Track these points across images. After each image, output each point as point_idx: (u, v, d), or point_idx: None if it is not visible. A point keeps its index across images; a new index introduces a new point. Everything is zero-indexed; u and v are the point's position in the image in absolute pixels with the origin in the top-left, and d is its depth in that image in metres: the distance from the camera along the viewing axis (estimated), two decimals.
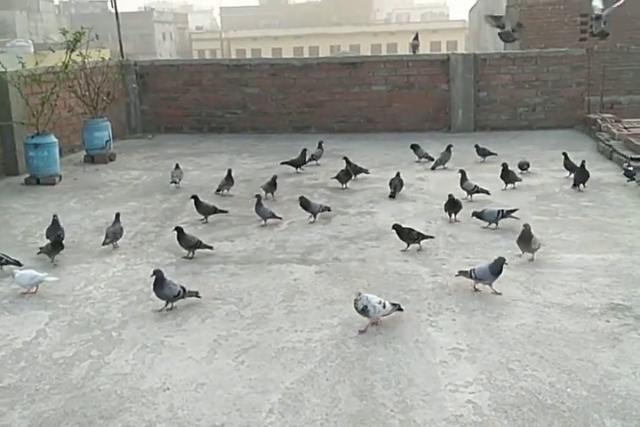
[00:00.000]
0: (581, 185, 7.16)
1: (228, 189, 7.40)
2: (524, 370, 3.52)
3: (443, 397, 3.30)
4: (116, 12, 13.15)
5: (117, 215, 5.86)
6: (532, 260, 5.12)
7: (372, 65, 11.59)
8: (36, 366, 3.73)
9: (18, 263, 5.09)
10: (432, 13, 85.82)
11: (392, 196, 7.14)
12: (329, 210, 6.52)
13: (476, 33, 24.11)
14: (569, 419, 3.10)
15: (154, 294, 4.42)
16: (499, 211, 5.96)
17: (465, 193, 6.85)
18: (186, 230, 6.01)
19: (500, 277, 4.50)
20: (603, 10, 7.84)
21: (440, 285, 4.74)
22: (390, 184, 7.24)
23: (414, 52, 11.85)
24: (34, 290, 4.73)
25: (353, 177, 7.77)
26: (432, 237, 5.57)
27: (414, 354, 3.75)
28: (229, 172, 7.48)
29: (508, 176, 7.22)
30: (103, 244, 5.67)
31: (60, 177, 8.31)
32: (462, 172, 6.94)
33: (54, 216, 5.77)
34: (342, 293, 4.67)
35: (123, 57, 12.58)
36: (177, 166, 8.00)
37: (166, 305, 4.42)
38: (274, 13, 74.65)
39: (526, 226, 5.08)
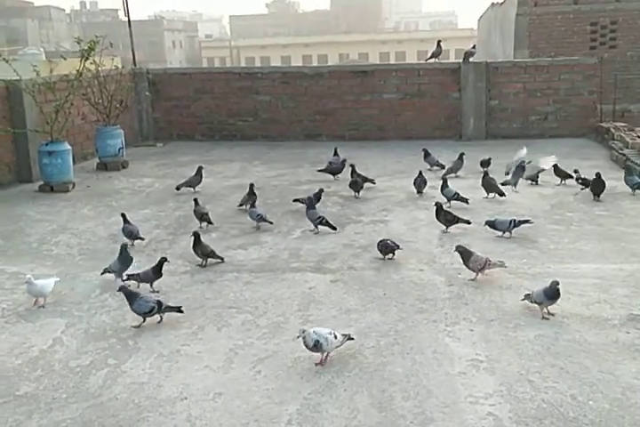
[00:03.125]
0: (597, 196, 7.13)
1: (252, 205, 6.62)
2: (545, 382, 3.48)
3: (463, 409, 3.26)
4: (129, 21, 13.24)
5: (124, 215, 6.00)
6: (473, 279, 4.90)
7: (384, 73, 11.62)
8: (52, 374, 3.72)
9: None
10: (440, 22, 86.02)
11: (419, 192, 7.53)
12: (334, 229, 6.19)
13: (486, 41, 24.09)
14: None
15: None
16: (511, 220, 5.93)
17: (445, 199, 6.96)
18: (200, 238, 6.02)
19: (557, 301, 4.26)
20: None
21: (457, 294, 4.71)
22: (414, 183, 7.58)
23: (431, 58, 11.84)
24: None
25: (362, 186, 7.68)
26: (399, 248, 5.43)
27: (432, 365, 3.71)
28: (251, 186, 7.07)
29: (483, 184, 7.36)
30: (141, 239, 5.93)
31: (74, 184, 8.35)
32: (444, 179, 7.16)
33: (124, 246, 5.12)
34: (358, 302, 4.64)
35: (135, 65, 12.64)
36: (198, 171, 7.92)
37: (144, 321, 4.29)
38: (283, 22, 75.07)
39: (458, 247, 4.93)
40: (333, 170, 8.49)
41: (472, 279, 4.91)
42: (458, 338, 4.03)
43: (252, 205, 6.46)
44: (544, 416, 3.18)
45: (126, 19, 13.80)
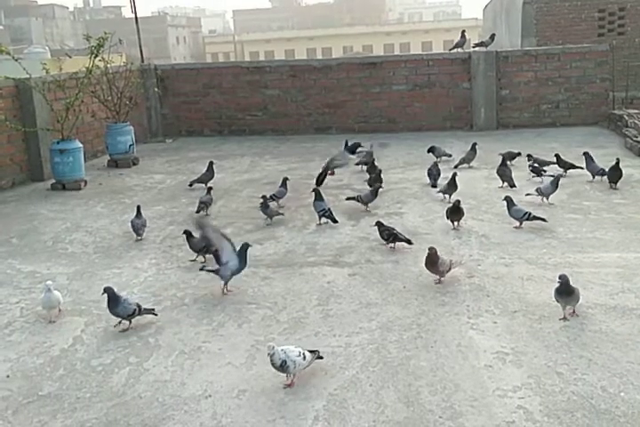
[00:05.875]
0: (614, 184, 7.06)
1: (265, 204, 6.41)
2: (574, 374, 3.42)
3: (492, 402, 3.21)
4: (136, 18, 13.18)
5: (139, 208, 6.09)
6: (438, 282, 4.70)
7: (393, 64, 11.52)
8: (75, 373, 3.70)
9: None
10: (444, 12, 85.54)
11: (434, 186, 7.31)
12: (335, 222, 6.18)
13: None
14: (625, 424, 3.00)
15: (110, 311, 4.17)
16: (526, 212, 5.84)
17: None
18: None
19: (575, 297, 4.02)
20: None
21: (477, 286, 4.65)
22: (429, 174, 7.46)
23: (455, 48, 11.74)
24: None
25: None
26: (410, 243, 5.37)
27: (458, 358, 3.66)
28: (285, 180, 6.94)
29: (498, 172, 7.32)
30: (138, 235, 6.00)
31: (86, 182, 8.33)
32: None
33: (246, 245, 4.74)
34: (378, 295, 4.59)
35: (143, 61, 12.60)
36: (209, 166, 7.89)
37: (119, 323, 4.19)
38: (286, 15, 74.82)
39: (431, 249, 4.63)
40: (366, 161, 8.41)
41: (438, 282, 4.70)
42: (482, 330, 3.97)
43: (265, 204, 6.38)
44: (575, 409, 3.12)
45: (129, 15, 13.79)
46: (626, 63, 12.79)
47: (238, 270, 4.68)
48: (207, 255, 5.38)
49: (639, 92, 15.69)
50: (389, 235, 5.43)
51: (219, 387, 3.48)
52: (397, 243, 5.48)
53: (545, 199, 6.58)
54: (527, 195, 6.64)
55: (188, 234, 5.43)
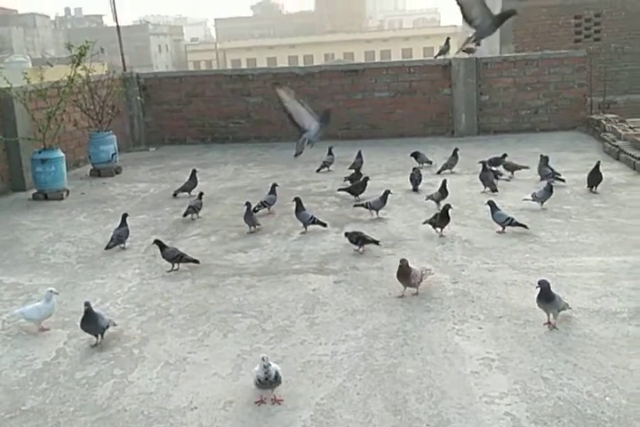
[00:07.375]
0: (594, 187, 7.13)
1: (248, 211, 6.43)
2: (559, 379, 3.44)
3: (479, 409, 3.22)
4: (118, 27, 13.13)
5: (124, 216, 6.07)
6: (416, 294, 4.60)
7: (374, 71, 11.58)
8: (58, 387, 3.64)
9: None
10: (424, 20, 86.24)
11: (415, 189, 7.51)
12: (324, 226, 6.22)
13: None
14: None
15: (82, 327, 4.08)
16: (508, 217, 5.87)
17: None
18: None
19: (563, 308, 4.01)
20: None
21: (462, 292, 4.66)
22: (411, 180, 7.59)
23: (439, 55, 11.81)
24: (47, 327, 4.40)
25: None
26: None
27: (444, 365, 3.67)
28: (274, 187, 7.08)
29: (481, 177, 7.40)
30: (106, 247, 5.89)
31: (68, 192, 8.24)
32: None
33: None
34: (363, 302, 4.59)
35: (125, 70, 12.54)
36: (192, 175, 7.87)
37: (97, 338, 4.09)
38: (268, 23, 74.99)
39: (402, 261, 4.49)
40: (356, 165, 8.50)
41: (415, 293, 4.61)
42: (467, 336, 3.98)
43: (249, 211, 6.38)
44: (562, 415, 3.13)
45: (111, 24, 13.75)
46: (602, 68, 12.94)
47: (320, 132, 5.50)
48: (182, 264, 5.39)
49: (616, 97, 15.93)
50: (357, 238, 5.54)
51: (205, 398, 3.45)
52: (397, 250, 5.52)
53: (540, 204, 6.58)
54: (524, 200, 6.68)
55: (161, 244, 5.41)
